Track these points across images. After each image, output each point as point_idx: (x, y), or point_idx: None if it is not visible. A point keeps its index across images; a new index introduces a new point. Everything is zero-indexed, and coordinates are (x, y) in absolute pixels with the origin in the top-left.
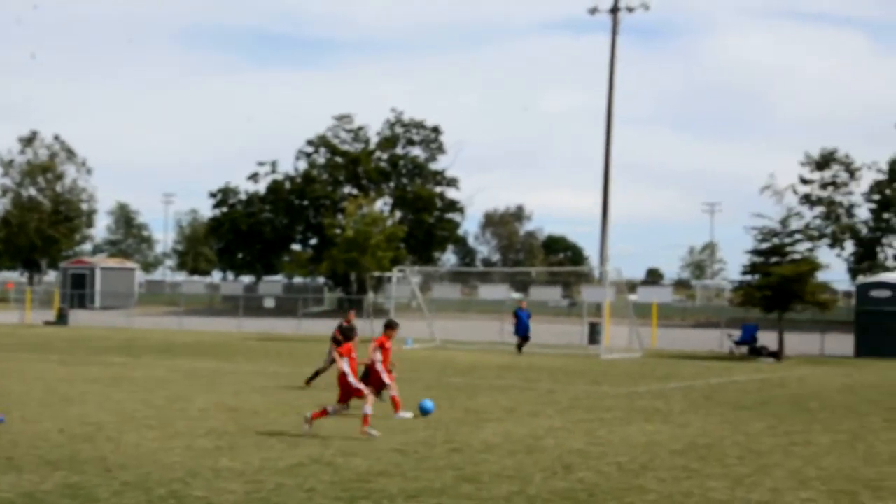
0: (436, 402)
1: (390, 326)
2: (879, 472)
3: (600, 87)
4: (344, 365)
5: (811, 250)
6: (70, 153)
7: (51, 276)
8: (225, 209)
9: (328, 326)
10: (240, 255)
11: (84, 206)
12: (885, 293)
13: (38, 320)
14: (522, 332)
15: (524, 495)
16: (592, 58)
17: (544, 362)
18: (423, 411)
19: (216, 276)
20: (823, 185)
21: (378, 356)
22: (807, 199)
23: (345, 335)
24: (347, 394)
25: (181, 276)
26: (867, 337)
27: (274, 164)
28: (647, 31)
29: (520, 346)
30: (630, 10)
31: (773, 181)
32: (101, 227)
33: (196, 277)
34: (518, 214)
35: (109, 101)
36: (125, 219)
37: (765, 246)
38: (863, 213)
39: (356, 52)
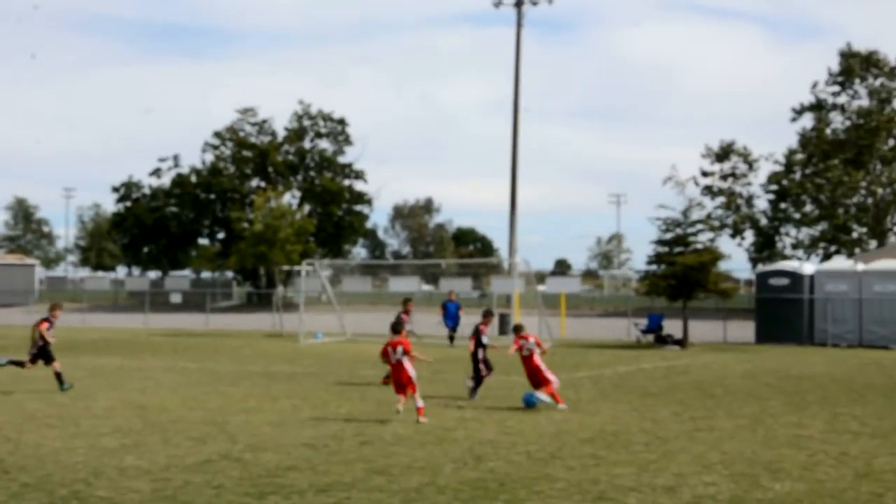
0: (346, 396)
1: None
2: (778, 455)
3: (507, 79)
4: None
5: (713, 240)
6: None
7: None
8: (129, 204)
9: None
10: (145, 250)
11: None
12: (784, 281)
13: None
14: (452, 324)
15: (435, 486)
16: (498, 50)
17: (454, 353)
18: (528, 404)
19: (121, 271)
20: (724, 177)
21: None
22: (708, 191)
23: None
24: (400, 384)
25: (84, 272)
26: (767, 324)
27: (176, 158)
28: (551, 24)
29: (451, 338)
30: (534, 3)
31: (675, 172)
32: None
33: (100, 273)
34: (427, 207)
35: (3, 91)
36: (24, 214)
37: (668, 236)
38: (761, 203)
39: (256, 44)
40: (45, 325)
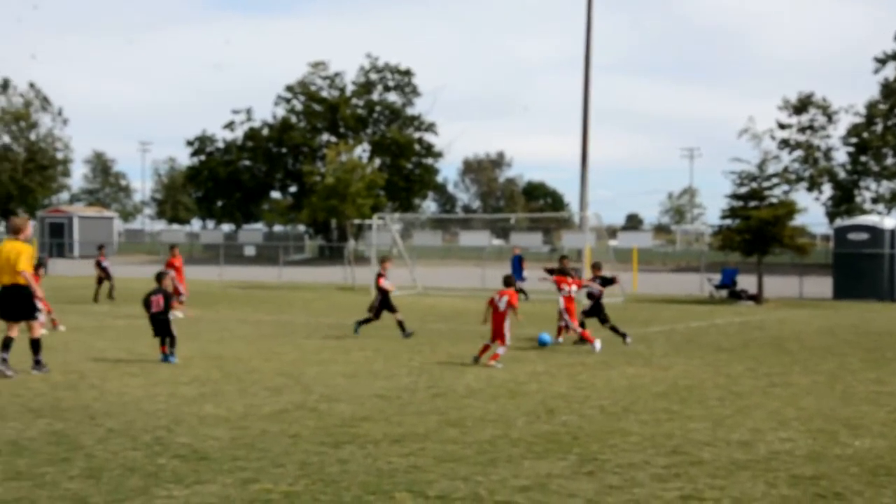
0: (418, 349)
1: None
2: (857, 411)
3: (579, 33)
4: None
5: (788, 193)
6: (45, 101)
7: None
8: (203, 157)
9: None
10: (219, 204)
11: (59, 156)
12: (863, 236)
13: None
14: (517, 278)
15: (508, 439)
16: (569, 4)
17: (525, 308)
18: (542, 342)
19: (196, 224)
20: (801, 129)
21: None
22: (785, 144)
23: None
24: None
25: (160, 225)
26: (845, 279)
27: (249, 111)
28: None
29: (521, 291)
30: None
31: (752, 125)
32: (78, 177)
33: (175, 226)
34: (497, 161)
35: (83, 49)
36: (102, 167)
37: (743, 190)
38: (840, 156)
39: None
40: (381, 280)
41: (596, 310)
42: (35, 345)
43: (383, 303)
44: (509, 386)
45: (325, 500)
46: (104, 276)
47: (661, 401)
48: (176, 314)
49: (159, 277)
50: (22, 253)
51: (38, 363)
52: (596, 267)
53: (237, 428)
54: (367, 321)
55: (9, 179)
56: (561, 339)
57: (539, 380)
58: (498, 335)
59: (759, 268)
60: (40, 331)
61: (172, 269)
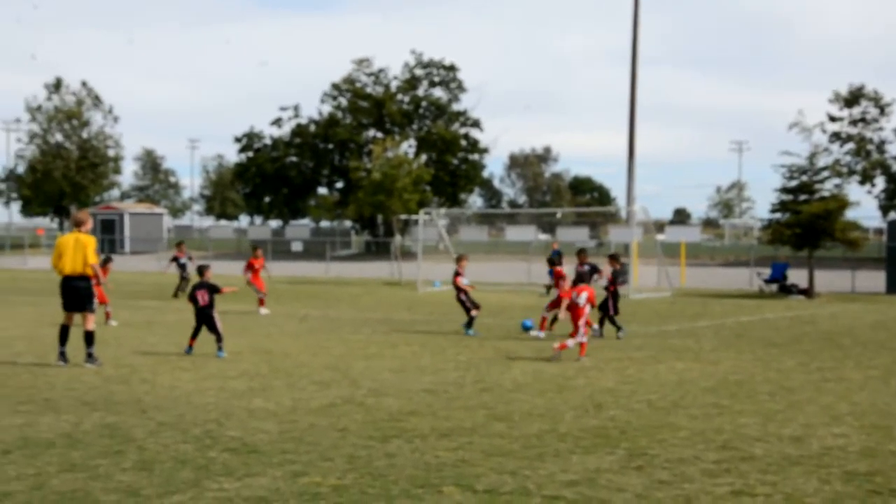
0: (464, 344)
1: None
2: None
3: (624, 27)
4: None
5: (840, 187)
6: (97, 100)
7: None
8: (250, 154)
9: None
10: (266, 200)
11: (111, 153)
12: None
13: None
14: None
15: (555, 433)
16: None
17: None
18: (525, 328)
19: (243, 220)
20: (853, 122)
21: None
22: (836, 137)
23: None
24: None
25: (209, 221)
26: None
27: (296, 108)
28: None
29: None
30: None
31: (802, 118)
32: (129, 174)
33: (223, 222)
34: (544, 156)
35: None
36: (152, 164)
37: (793, 183)
38: (894, 149)
39: None
40: (458, 279)
41: (607, 302)
42: (89, 337)
43: (465, 299)
44: (557, 381)
45: (373, 493)
46: (182, 272)
47: (710, 395)
48: (262, 311)
49: (201, 271)
50: (88, 245)
51: (90, 356)
52: (582, 253)
53: (286, 422)
54: (472, 320)
55: (62, 177)
56: (542, 334)
57: (586, 374)
58: (574, 329)
59: (809, 262)
60: (94, 323)
61: (251, 269)
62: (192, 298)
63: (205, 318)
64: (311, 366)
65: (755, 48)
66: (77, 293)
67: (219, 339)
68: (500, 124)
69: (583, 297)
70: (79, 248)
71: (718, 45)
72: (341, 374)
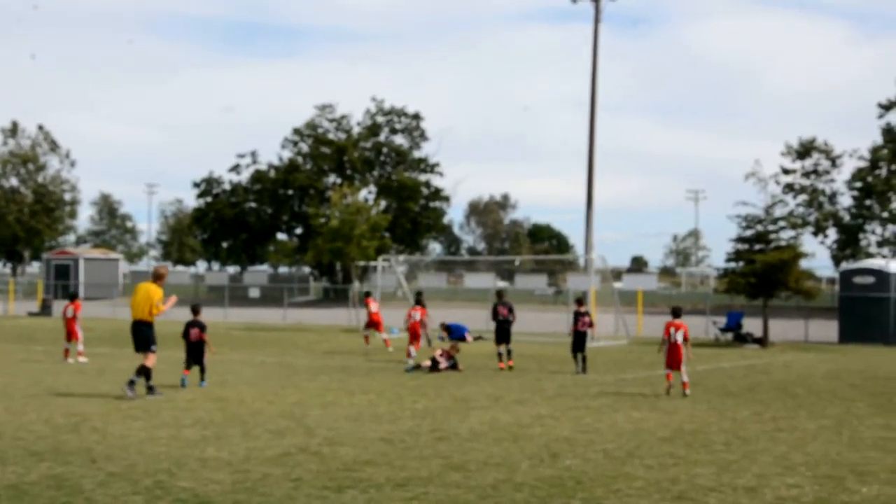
0: (422, 392)
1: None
2: (864, 457)
3: (583, 75)
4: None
5: (795, 238)
6: (53, 144)
7: (34, 267)
8: (209, 199)
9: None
10: (225, 245)
11: (67, 197)
12: (869, 279)
13: (21, 311)
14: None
15: (511, 483)
16: (575, 46)
17: (531, 350)
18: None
19: (201, 266)
20: (805, 174)
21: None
22: (790, 188)
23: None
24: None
25: None
26: (851, 323)
27: (254, 154)
28: (629, 19)
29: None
30: None
31: (758, 168)
32: (85, 218)
33: (181, 268)
34: (503, 203)
35: (90, 91)
36: (108, 209)
37: (749, 233)
38: (845, 200)
39: (332, 42)
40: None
41: (579, 340)
42: (147, 372)
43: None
44: (513, 429)
45: None
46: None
47: (666, 445)
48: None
49: (195, 310)
50: (154, 296)
51: (151, 389)
52: (500, 294)
53: (239, 471)
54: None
55: (15, 221)
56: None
57: (543, 423)
58: (675, 364)
59: (764, 311)
60: (154, 361)
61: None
62: (186, 335)
63: (197, 351)
64: (267, 414)
65: (713, 98)
66: (140, 335)
67: (203, 371)
68: (461, 170)
69: (680, 335)
70: (147, 297)
71: (676, 94)
72: (297, 423)
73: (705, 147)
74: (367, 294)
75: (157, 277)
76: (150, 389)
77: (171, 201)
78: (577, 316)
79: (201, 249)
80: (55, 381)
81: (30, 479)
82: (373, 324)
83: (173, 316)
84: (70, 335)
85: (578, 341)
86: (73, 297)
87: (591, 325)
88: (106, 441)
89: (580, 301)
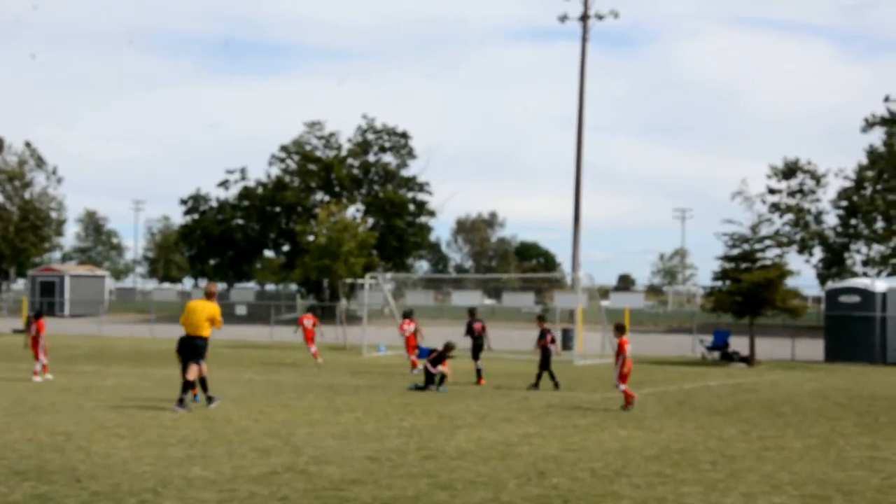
0: (409, 410)
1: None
2: (851, 476)
3: (571, 94)
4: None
5: (781, 256)
6: (40, 160)
7: (19, 284)
8: (196, 216)
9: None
10: (211, 262)
11: (53, 215)
12: (854, 298)
13: (6, 329)
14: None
15: (498, 502)
16: (562, 65)
17: (518, 368)
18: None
19: (187, 283)
20: (791, 193)
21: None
22: (775, 208)
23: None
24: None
25: (152, 284)
26: (836, 341)
27: (243, 170)
28: (616, 38)
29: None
30: (600, 17)
31: (745, 187)
32: (71, 235)
33: (167, 285)
34: (490, 221)
35: (77, 107)
36: (94, 226)
37: (735, 252)
38: (831, 219)
39: (320, 59)
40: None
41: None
42: (193, 385)
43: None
44: (500, 448)
45: None
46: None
47: (653, 464)
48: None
49: None
50: (214, 313)
51: (181, 401)
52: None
53: (225, 490)
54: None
55: (1, 239)
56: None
57: (530, 441)
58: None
59: (751, 329)
60: (196, 373)
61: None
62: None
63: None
64: (253, 432)
65: (699, 117)
66: (196, 349)
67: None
68: (449, 187)
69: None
70: (208, 314)
71: (663, 113)
72: (283, 441)
73: (692, 166)
74: (406, 315)
75: (210, 295)
76: (181, 402)
77: (157, 218)
78: (544, 332)
79: (187, 266)
80: (39, 398)
81: (13, 499)
82: (412, 347)
83: (160, 333)
84: (35, 354)
85: (547, 358)
86: (37, 315)
87: (553, 340)
88: (90, 460)
89: (542, 318)
